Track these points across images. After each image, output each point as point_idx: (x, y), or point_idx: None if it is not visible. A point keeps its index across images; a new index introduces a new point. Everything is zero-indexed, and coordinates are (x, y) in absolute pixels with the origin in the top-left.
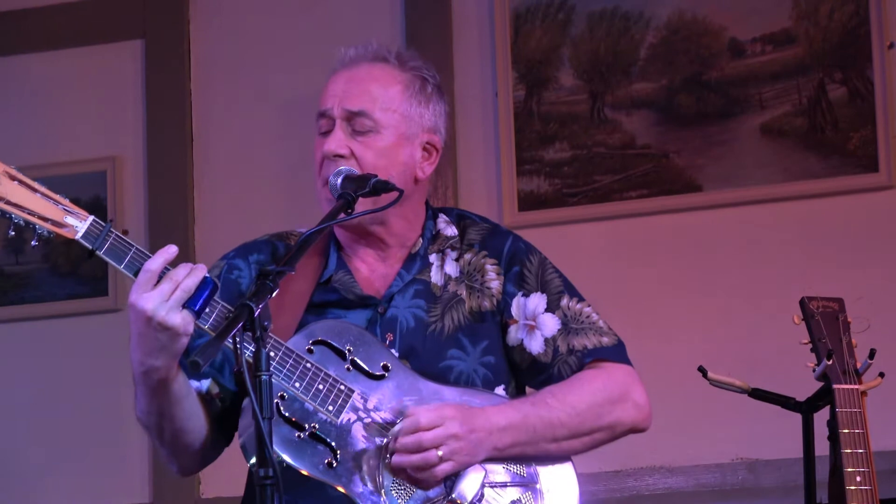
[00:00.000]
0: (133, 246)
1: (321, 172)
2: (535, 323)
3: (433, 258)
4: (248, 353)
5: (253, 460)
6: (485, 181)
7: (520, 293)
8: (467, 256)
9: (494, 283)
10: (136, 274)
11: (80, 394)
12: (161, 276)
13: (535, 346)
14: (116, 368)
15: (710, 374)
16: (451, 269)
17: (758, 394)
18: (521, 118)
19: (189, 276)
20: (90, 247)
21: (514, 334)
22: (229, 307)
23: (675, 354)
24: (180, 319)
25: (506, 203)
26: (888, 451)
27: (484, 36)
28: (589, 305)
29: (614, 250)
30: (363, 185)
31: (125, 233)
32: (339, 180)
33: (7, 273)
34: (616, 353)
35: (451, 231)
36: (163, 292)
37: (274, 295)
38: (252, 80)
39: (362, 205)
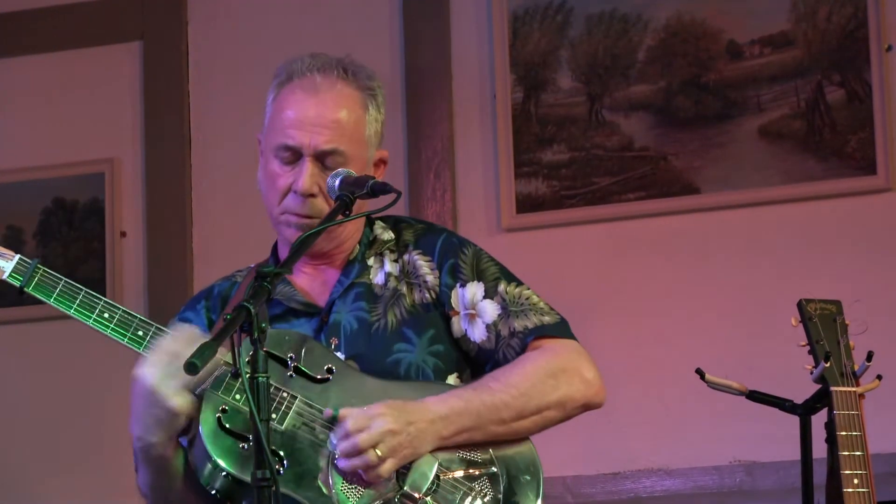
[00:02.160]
0: (62, 280)
1: (282, 203)
2: (476, 311)
3: (372, 261)
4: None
5: (204, 474)
6: (483, 183)
7: (457, 284)
8: (405, 257)
9: (429, 276)
10: (65, 307)
11: (79, 396)
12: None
13: (478, 333)
14: (115, 371)
15: (707, 377)
16: (391, 268)
17: (755, 396)
18: (519, 120)
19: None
20: (18, 285)
21: (458, 325)
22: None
23: (672, 356)
24: (181, 402)
25: (504, 205)
26: (886, 453)
27: (482, 38)
28: (528, 289)
29: (612, 252)
30: (361, 186)
31: (123, 235)
32: (337, 182)
33: None
34: (559, 329)
35: (388, 235)
36: (170, 371)
37: (271, 297)
38: (250, 82)
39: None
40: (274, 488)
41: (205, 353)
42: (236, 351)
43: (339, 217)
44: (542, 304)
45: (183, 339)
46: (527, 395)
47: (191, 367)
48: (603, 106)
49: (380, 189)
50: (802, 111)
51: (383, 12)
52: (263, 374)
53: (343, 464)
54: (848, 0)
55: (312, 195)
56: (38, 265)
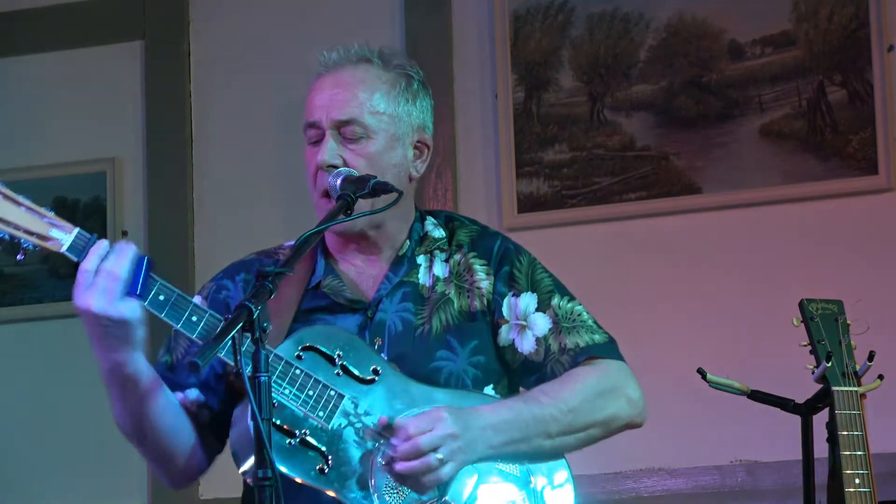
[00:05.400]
0: None
1: (316, 184)
2: (527, 323)
3: (421, 260)
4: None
5: (245, 467)
6: (484, 183)
7: (510, 293)
8: (457, 257)
9: (484, 282)
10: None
11: (79, 395)
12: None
13: (527, 345)
14: None
15: (709, 376)
16: (440, 270)
17: (757, 396)
18: (520, 120)
19: (118, 262)
20: (76, 259)
21: (506, 334)
22: (217, 315)
23: (674, 356)
24: (126, 309)
25: (505, 205)
26: (887, 453)
27: (483, 38)
28: (580, 304)
29: (613, 252)
30: (362, 186)
31: (124, 234)
32: (339, 181)
33: (6, 274)
34: (608, 349)
35: (440, 233)
36: (99, 287)
37: (273, 296)
38: (252, 82)
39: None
40: (275, 487)
41: (206, 352)
42: (238, 351)
43: (341, 216)
44: (591, 322)
45: (98, 253)
46: (575, 412)
47: (192, 366)
48: (604, 105)
49: (381, 188)
50: (804, 111)
51: (385, 12)
52: (265, 374)
53: (401, 466)
54: (849, 0)
55: (333, 167)
56: (97, 240)
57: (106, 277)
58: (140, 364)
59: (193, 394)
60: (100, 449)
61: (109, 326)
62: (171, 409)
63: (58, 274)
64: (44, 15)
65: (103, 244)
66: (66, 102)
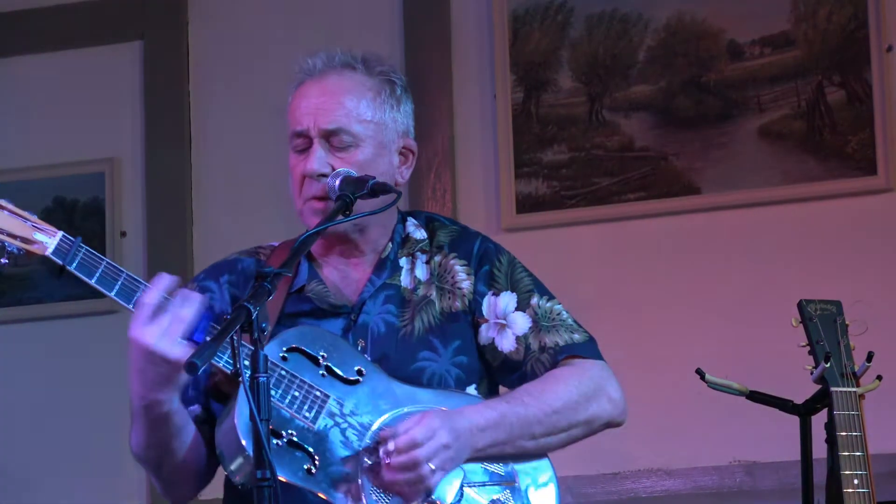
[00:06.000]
0: (104, 260)
1: (302, 192)
2: (506, 322)
3: (403, 262)
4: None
5: (232, 466)
6: (483, 183)
7: (490, 292)
8: (437, 258)
9: (465, 283)
10: (107, 288)
11: (78, 395)
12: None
13: (507, 344)
14: (114, 370)
15: (707, 377)
16: (421, 272)
17: (756, 396)
18: (519, 120)
19: (187, 307)
20: (60, 262)
21: (485, 333)
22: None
23: (672, 357)
24: (181, 352)
25: (504, 205)
26: (886, 453)
27: (482, 38)
28: (559, 304)
29: (612, 253)
30: (361, 186)
31: (123, 234)
32: (338, 182)
33: (5, 274)
34: (588, 348)
35: (421, 234)
36: (162, 325)
37: (272, 297)
38: (251, 83)
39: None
40: (274, 488)
41: (204, 352)
42: (237, 351)
43: (340, 217)
44: (570, 321)
45: (162, 288)
46: (559, 413)
47: (190, 367)
48: (603, 106)
49: (380, 189)
50: (803, 111)
51: (384, 12)
52: (263, 374)
53: (394, 477)
54: (848, 0)
55: (323, 175)
56: (81, 244)
57: (170, 318)
58: (176, 404)
59: (197, 410)
60: (100, 449)
61: (159, 364)
62: (192, 443)
63: (56, 274)
64: (43, 15)
65: (166, 279)
66: (65, 102)
